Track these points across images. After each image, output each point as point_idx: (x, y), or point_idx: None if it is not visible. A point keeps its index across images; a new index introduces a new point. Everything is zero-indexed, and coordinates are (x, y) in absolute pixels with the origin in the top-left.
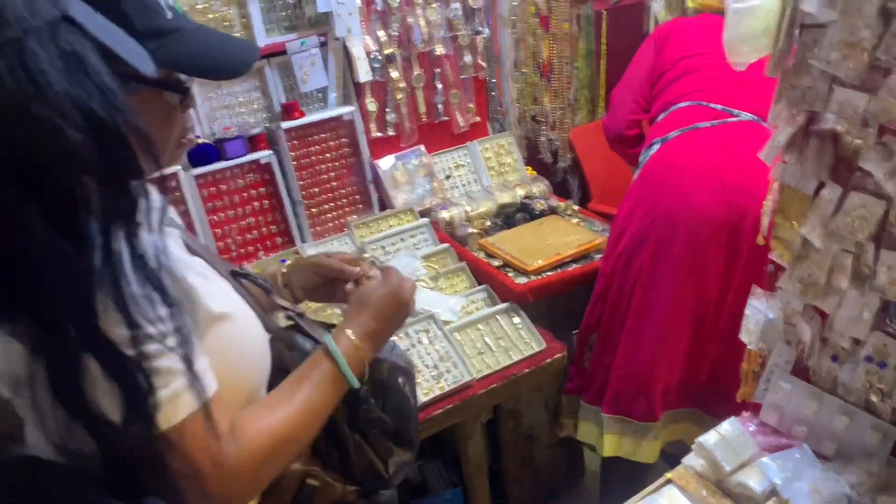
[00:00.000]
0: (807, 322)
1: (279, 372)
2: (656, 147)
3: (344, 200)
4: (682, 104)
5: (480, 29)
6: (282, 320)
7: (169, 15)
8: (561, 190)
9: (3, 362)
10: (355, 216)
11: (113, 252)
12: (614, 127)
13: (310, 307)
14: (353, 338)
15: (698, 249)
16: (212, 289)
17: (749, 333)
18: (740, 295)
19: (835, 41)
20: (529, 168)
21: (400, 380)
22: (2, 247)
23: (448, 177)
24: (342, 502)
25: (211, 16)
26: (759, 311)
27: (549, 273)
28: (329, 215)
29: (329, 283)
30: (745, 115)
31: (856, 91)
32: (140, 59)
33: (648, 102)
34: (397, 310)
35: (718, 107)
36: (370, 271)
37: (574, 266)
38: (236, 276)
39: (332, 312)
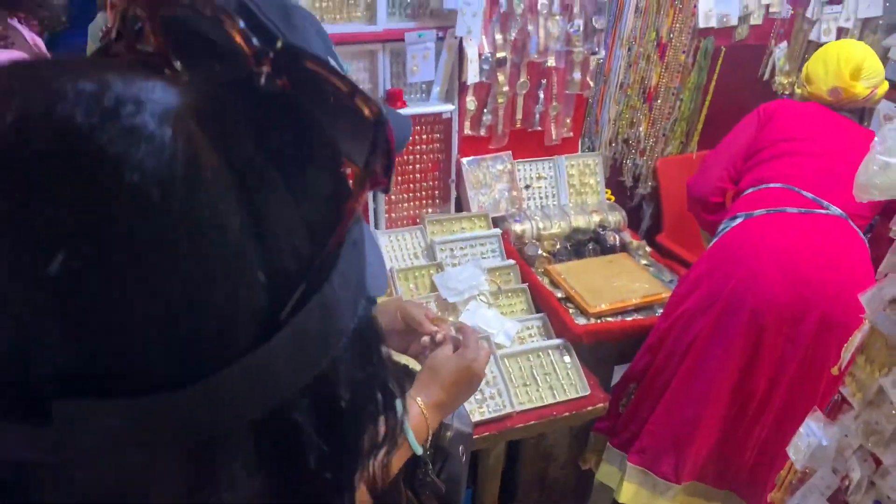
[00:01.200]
0: (859, 463)
1: None
2: (739, 220)
3: (423, 193)
4: (773, 184)
5: (597, 50)
6: None
7: None
8: (633, 216)
9: None
10: (430, 210)
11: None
12: (700, 189)
13: None
14: (421, 407)
15: (758, 331)
16: None
17: (798, 451)
18: (793, 388)
19: None
20: (608, 191)
21: (460, 448)
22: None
23: (527, 186)
24: None
25: None
26: (813, 435)
27: (609, 318)
28: (405, 205)
29: (406, 331)
30: (834, 210)
31: None
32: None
33: (739, 174)
34: (468, 384)
35: (810, 195)
36: (447, 334)
37: (635, 316)
38: None
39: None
